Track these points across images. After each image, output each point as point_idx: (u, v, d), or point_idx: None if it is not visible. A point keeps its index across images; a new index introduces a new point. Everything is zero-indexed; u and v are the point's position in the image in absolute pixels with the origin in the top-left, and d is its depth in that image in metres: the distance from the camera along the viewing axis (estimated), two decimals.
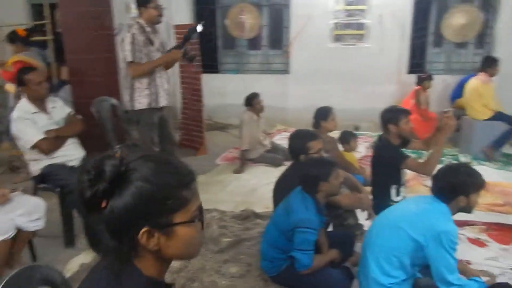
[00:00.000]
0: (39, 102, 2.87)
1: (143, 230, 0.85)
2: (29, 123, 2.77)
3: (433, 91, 5.68)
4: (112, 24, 4.26)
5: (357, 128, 5.98)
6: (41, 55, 4.55)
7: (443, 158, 4.50)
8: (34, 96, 2.84)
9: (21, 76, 2.80)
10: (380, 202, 2.74)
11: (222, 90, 6.82)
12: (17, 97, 3.91)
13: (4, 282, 1.02)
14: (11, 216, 2.27)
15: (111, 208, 0.83)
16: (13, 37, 4.22)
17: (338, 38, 6.34)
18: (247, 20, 6.74)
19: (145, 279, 0.89)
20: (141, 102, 3.39)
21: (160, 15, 3.40)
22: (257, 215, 3.32)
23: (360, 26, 6.18)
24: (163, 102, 3.49)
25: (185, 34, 3.58)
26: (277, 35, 6.84)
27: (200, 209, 0.93)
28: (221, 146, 5.47)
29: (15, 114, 2.78)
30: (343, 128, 4.29)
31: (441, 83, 5.94)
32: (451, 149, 5.03)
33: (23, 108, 2.81)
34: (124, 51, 3.30)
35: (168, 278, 2.46)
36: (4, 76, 4.12)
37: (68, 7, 3.96)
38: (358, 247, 2.50)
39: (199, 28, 3.54)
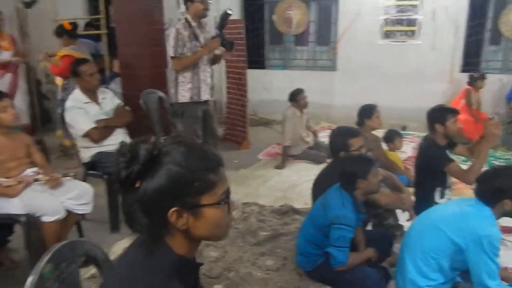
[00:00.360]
0: (91, 93, 3.03)
1: (172, 209, 0.90)
2: (81, 112, 2.93)
3: (488, 91, 5.39)
4: (163, 19, 4.39)
5: (404, 128, 5.79)
6: (91, 48, 4.79)
7: (495, 162, 4.27)
8: (86, 87, 3.00)
9: (75, 68, 2.98)
10: (423, 204, 2.64)
11: (268, 86, 6.85)
12: (64, 90, 4.16)
13: (51, 252, 1.11)
14: (62, 199, 2.42)
15: (144, 188, 0.90)
16: (59, 31, 4.40)
17: (388, 35, 6.16)
18: (294, 16, 6.71)
19: (175, 256, 0.95)
20: (184, 95, 3.49)
21: (206, 9, 3.47)
22: (295, 211, 3.32)
23: (412, 22, 5.97)
24: (205, 96, 3.57)
25: (218, 21, 3.60)
26: (325, 31, 6.75)
27: (227, 193, 0.96)
28: (264, 141, 5.50)
29: (68, 103, 2.96)
30: (390, 127, 4.17)
31: (497, 83, 5.61)
32: (504, 153, 4.75)
33: (76, 98, 2.98)
34: (169, 46, 3.40)
35: (205, 267, 2.52)
36: (52, 71, 4.36)
37: (122, 3, 4.12)
38: (396, 248, 2.43)
39: (230, 11, 3.55)
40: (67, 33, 4.32)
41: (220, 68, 6.01)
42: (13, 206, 2.30)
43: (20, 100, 5.10)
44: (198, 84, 3.51)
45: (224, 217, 0.97)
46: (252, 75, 6.86)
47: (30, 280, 1.04)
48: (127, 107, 3.29)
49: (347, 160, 2.32)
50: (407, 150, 4.65)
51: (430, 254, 1.88)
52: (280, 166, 4.48)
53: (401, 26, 6.04)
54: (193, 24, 3.45)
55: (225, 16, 3.55)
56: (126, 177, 0.90)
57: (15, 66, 4.97)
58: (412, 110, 5.80)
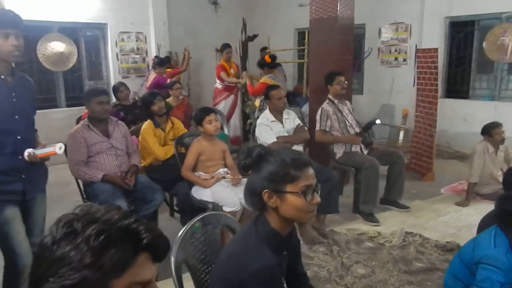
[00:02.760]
0: (277, 113, 3.61)
1: (264, 191, 1.26)
2: (267, 128, 3.53)
3: None
4: (352, 50, 4.72)
5: None
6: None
7: None
8: (275, 108, 3.59)
9: (267, 91, 3.61)
10: None
11: (469, 117, 6.32)
12: (260, 110, 4.95)
13: (202, 215, 1.59)
14: (240, 195, 3.01)
15: (252, 175, 1.30)
16: (261, 63, 5.33)
17: None
18: (510, 42, 6.02)
19: (270, 227, 1.30)
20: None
21: (343, 89, 4.01)
22: None
23: None
24: None
25: (365, 125, 4.08)
26: None
27: (308, 187, 1.26)
28: (453, 175, 5.12)
29: (259, 120, 3.61)
30: None
31: None
32: None
33: (265, 116, 3.61)
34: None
35: (350, 280, 2.66)
36: (248, 89, 5.36)
37: (318, 35, 4.64)
38: None
39: (378, 121, 4.07)
40: (267, 65, 5.18)
41: (411, 96, 5.93)
42: (206, 195, 3.00)
43: (237, 116, 6.30)
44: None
45: (303, 204, 1.27)
46: (452, 105, 6.49)
47: (186, 226, 1.53)
48: (305, 127, 3.74)
49: (507, 198, 2.13)
50: None
51: None
52: (462, 204, 4.15)
53: None
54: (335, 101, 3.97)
55: (372, 123, 4.08)
56: (243, 166, 1.32)
57: (236, 88, 6.18)
58: None
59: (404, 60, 7.00)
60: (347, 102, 4.20)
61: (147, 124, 3.55)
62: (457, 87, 6.76)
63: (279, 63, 5.83)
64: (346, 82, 4.09)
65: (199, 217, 1.56)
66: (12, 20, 2.00)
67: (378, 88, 7.29)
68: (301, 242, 3.20)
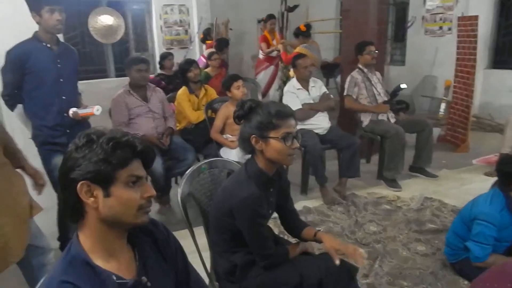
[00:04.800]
0: (304, 82, 3.76)
1: (252, 136, 1.52)
2: (293, 96, 3.70)
3: None
4: (387, 19, 4.71)
5: None
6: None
7: None
8: (301, 76, 3.75)
9: (294, 60, 3.77)
10: None
11: None
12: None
13: (209, 160, 1.88)
14: None
15: (244, 124, 1.55)
16: (296, 32, 5.42)
17: None
18: None
19: (257, 167, 1.57)
20: None
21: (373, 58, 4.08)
22: None
23: None
24: None
25: (392, 91, 4.15)
26: None
27: (288, 134, 1.50)
28: (490, 147, 5.04)
29: (286, 88, 3.80)
30: None
31: None
32: None
33: (292, 84, 3.78)
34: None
35: (360, 236, 2.84)
36: (282, 56, 5.51)
37: (351, 2, 4.65)
38: None
39: (403, 86, 4.10)
40: (302, 34, 5.27)
41: (451, 66, 5.80)
42: (232, 155, 3.27)
43: (276, 87, 6.48)
44: None
45: (282, 148, 1.51)
46: (499, 76, 6.26)
47: (193, 166, 1.84)
48: (331, 95, 3.88)
49: (507, 160, 2.22)
50: None
51: None
52: (490, 174, 4.13)
53: None
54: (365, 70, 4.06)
55: (398, 89, 4.13)
56: (237, 116, 1.57)
57: (277, 59, 6.33)
58: None
59: (449, 29, 6.77)
60: (377, 72, 4.26)
61: (182, 90, 3.85)
62: (505, 57, 6.48)
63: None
64: (377, 51, 4.14)
65: (206, 161, 1.83)
66: None
67: (421, 59, 7.14)
68: (322, 202, 3.44)
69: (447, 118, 5.70)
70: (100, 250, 0.99)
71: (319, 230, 1.73)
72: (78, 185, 0.95)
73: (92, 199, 0.96)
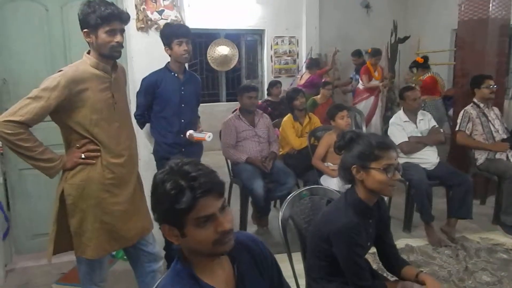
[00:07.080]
0: (411, 114, 3.63)
1: (353, 166, 1.55)
2: (400, 128, 3.60)
3: None
4: (505, 52, 4.38)
5: None
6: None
7: None
8: (409, 108, 3.63)
9: (402, 92, 3.68)
10: None
11: None
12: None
13: (311, 187, 1.95)
14: None
15: (345, 153, 1.59)
16: (413, 65, 5.44)
17: None
18: None
19: (357, 196, 1.59)
20: None
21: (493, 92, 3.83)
22: None
23: None
24: None
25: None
26: None
27: (389, 165, 1.50)
28: None
29: (392, 120, 3.70)
30: None
31: None
32: None
33: (398, 116, 3.68)
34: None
35: (471, 285, 2.63)
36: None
37: (467, 35, 4.38)
38: None
39: None
40: (420, 66, 5.14)
41: None
42: (333, 183, 3.28)
43: (378, 117, 6.36)
44: None
45: (384, 178, 1.51)
46: None
47: (295, 192, 1.91)
48: (441, 130, 3.68)
49: None
50: None
51: None
52: None
53: None
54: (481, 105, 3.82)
55: None
56: (338, 146, 1.63)
57: (378, 90, 6.24)
58: None
59: None
60: (495, 108, 3.95)
61: (287, 117, 4.02)
62: None
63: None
64: (496, 86, 3.86)
65: (308, 187, 1.90)
66: (185, 31, 2.67)
67: None
68: (426, 242, 3.25)
69: None
70: (201, 266, 1.08)
71: (422, 271, 1.66)
72: (161, 226, 1.04)
73: (174, 238, 1.04)
